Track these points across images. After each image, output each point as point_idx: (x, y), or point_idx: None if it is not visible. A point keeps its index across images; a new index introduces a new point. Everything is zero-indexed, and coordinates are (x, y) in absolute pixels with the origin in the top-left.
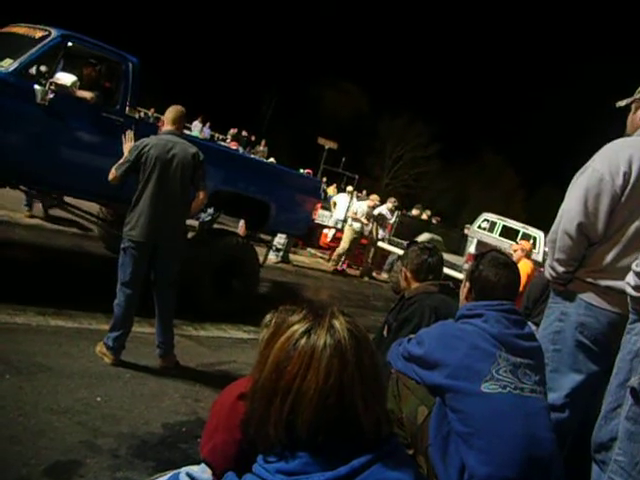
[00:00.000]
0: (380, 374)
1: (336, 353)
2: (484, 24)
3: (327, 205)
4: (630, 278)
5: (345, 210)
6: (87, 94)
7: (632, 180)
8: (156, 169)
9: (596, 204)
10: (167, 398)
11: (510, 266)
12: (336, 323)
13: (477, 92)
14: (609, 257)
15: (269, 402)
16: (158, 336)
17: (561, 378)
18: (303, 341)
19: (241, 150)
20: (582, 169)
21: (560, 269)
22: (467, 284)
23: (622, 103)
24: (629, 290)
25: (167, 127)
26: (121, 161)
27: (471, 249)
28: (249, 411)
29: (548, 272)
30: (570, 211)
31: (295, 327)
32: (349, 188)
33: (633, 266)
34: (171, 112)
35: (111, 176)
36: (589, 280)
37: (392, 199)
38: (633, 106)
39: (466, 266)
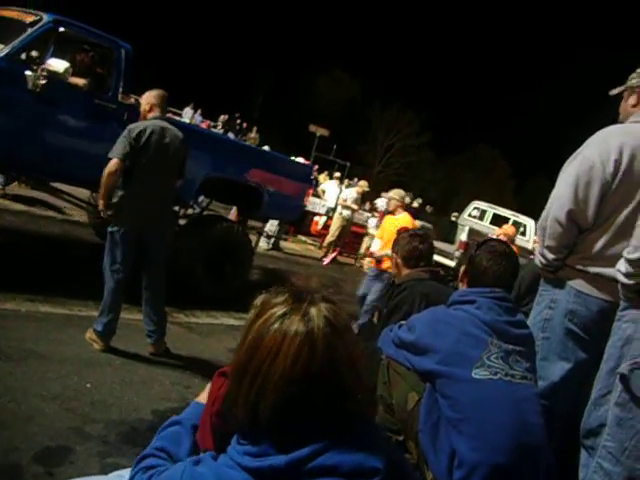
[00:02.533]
0: (358, 364)
1: (306, 341)
2: (477, 15)
3: (317, 192)
4: (621, 265)
5: (335, 198)
6: (80, 81)
7: (623, 167)
8: (154, 155)
9: (586, 191)
10: (157, 385)
11: (506, 255)
12: (312, 310)
13: (468, 82)
14: (599, 244)
15: (240, 382)
16: (148, 324)
17: (550, 366)
18: (276, 325)
19: (232, 136)
20: (573, 156)
21: (550, 256)
22: (464, 267)
23: (615, 91)
24: (620, 277)
25: (156, 112)
26: (119, 144)
27: (462, 237)
28: (227, 390)
29: (538, 259)
30: (560, 198)
31: (274, 310)
32: (336, 174)
33: (624, 253)
34: (156, 97)
35: (113, 166)
36: (579, 267)
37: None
38: (625, 94)
39: (457, 253)
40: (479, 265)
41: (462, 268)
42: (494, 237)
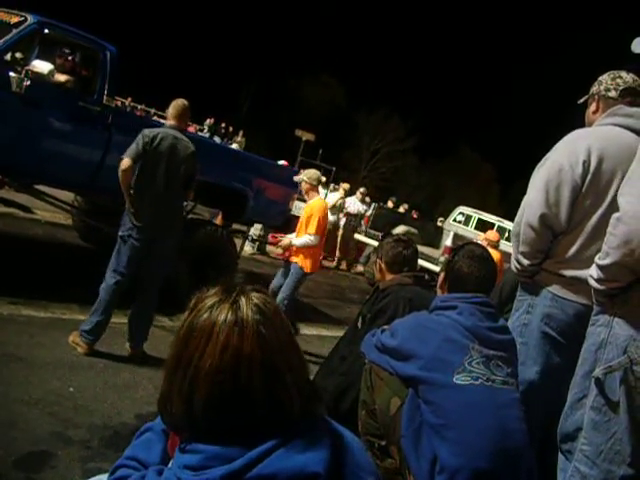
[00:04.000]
0: (290, 350)
1: (235, 328)
2: (461, 20)
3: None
4: (593, 270)
5: None
6: (63, 77)
7: (592, 169)
8: (163, 163)
9: (557, 195)
10: (140, 389)
11: (485, 259)
12: (242, 299)
13: (454, 87)
14: (574, 247)
15: (173, 376)
16: (133, 329)
17: (528, 370)
18: (205, 315)
19: (218, 140)
20: (542, 161)
21: (525, 262)
22: (443, 274)
23: (581, 100)
24: (592, 282)
25: (171, 122)
26: (132, 145)
27: (447, 242)
28: (162, 386)
29: (514, 265)
30: (532, 203)
31: (204, 302)
32: (361, 190)
33: (596, 259)
34: (174, 107)
35: (124, 165)
36: (554, 271)
37: (361, 189)
38: (589, 102)
39: (442, 259)
40: (459, 271)
41: (441, 275)
42: (472, 241)
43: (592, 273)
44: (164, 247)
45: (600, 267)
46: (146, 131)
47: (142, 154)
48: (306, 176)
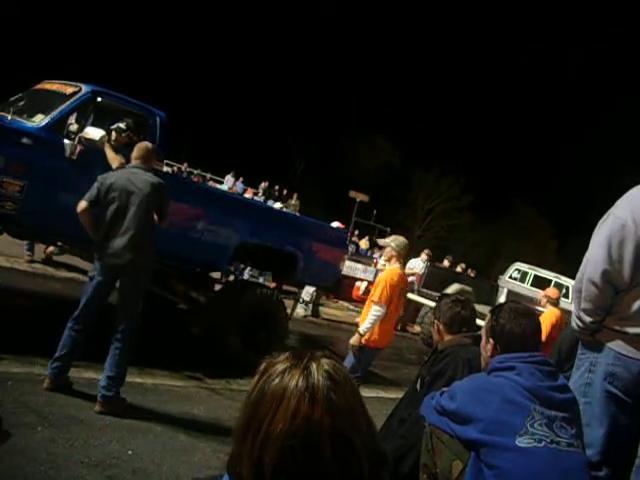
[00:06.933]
0: (360, 416)
1: (306, 394)
2: (515, 77)
3: (359, 259)
4: None
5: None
6: (116, 162)
7: None
8: (116, 200)
9: (620, 251)
10: (198, 452)
11: (531, 314)
12: (312, 365)
13: (508, 143)
14: (636, 304)
15: (243, 439)
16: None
17: (593, 432)
18: (277, 381)
19: (272, 203)
20: (604, 216)
21: (587, 319)
22: (491, 341)
23: None
24: None
25: (133, 162)
26: (88, 194)
27: (501, 299)
28: (232, 448)
29: (575, 322)
30: (594, 259)
31: (275, 367)
32: (426, 251)
33: None
34: (136, 150)
35: (79, 207)
36: (617, 328)
37: (426, 250)
38: None
39: None
40: (511, 332)
41: (489, 345)
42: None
43: None
44: (126, 282)
45: None
46: (102, 176)
47: (96, 196)
48: (394, 242)
